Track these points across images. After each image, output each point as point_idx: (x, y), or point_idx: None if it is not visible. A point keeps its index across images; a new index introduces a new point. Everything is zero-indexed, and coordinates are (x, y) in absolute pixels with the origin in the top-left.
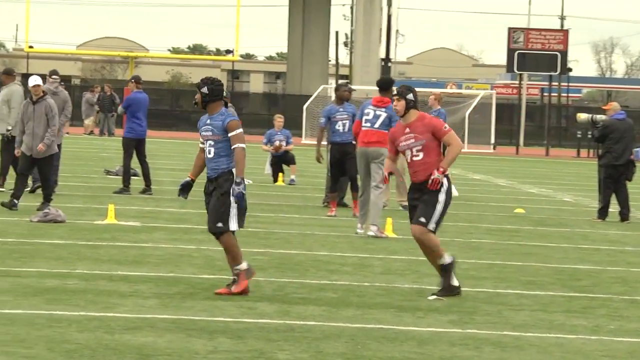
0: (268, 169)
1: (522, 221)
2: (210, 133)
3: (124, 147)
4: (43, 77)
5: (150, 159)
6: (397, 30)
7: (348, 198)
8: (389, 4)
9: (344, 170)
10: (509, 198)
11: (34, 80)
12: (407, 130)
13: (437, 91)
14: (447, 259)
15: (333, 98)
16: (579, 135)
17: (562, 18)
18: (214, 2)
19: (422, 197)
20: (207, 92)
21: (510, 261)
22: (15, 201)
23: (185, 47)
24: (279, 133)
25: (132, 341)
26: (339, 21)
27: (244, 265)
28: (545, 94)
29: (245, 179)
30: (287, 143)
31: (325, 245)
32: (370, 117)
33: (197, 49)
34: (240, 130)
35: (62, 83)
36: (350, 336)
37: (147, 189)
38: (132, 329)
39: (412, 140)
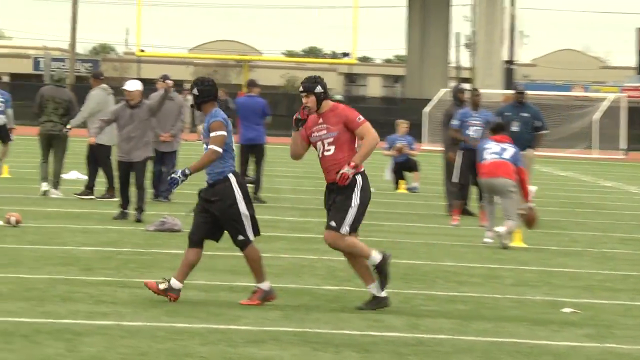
0: (388, 175)
1: None
2: (203, 136)
3: None
4: (154, 81)
5: (268, 166)
6: (520, 31)
7: (473, 206)
8: (512, 4)
9: (474, 176)
10: None
11: (132, 86)
12: (320, 120)
13: (508, 92)
14: (376, 256)
15: (467, 100)
16: None
17: None
18: (330, 3)
19: (335, 199)
20: (197, 93)
21: None
22: (125, 211)
23: (300, 50)
24: (401, 138)
25: (256, 354)
26: (460, 22)
27: (266, 285)
28: None
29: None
30: (410, 149)
31: (451, 255)
32: (496, 150)
33: (312, 52)
34: (222, 132)
35: (189, 89)
36: (482, 350)
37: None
38: (255, 341)
39: (324, 132)
